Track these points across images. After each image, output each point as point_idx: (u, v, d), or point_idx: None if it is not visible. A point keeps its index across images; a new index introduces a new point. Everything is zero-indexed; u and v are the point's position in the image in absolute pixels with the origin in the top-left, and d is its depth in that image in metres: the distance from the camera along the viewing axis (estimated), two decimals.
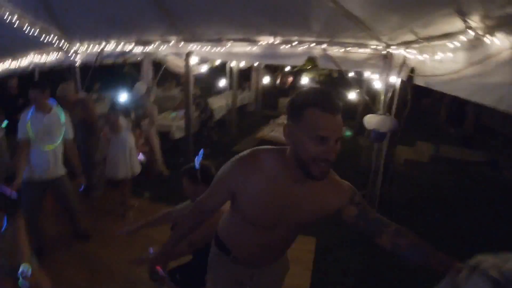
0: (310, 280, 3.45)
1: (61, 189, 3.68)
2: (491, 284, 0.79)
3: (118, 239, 3.80)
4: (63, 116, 3.59)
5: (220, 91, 9.71)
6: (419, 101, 12.58)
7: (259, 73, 10.22)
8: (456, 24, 1.92)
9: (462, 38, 1.88)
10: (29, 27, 4.14)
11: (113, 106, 4.37)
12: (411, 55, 2.95)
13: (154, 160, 5.68)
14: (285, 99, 11.17)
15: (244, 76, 10.36)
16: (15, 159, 3.45)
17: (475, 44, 1.81)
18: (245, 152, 1.50)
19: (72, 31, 4.63)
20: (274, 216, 1.50)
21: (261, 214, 1.51)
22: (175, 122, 6.61)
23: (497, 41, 1.58)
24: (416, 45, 2.69)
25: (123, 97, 4.43)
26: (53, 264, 3.44)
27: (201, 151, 2.33)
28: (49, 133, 3.46)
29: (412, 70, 3.06)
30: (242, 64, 8.07)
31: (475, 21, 1.73)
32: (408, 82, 3.45)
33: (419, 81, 2.96)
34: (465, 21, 1.78)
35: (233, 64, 7.96)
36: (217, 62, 6.38)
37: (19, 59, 4.71)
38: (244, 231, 1.63)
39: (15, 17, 3.83)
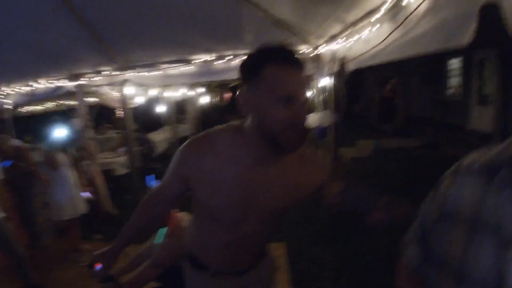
0: (290, 282, 3.42)
1: (3, 233, 3.33)
2: (484, 180, 0.69)
3: (76, 284, 3.62)
4: None
5: (158, 126, 9.61)
6: (350, 107, 13.47)
7: (194, 102, 10.29)
8: None
9: (383, 7, 2.12)
10: None
11: (49, 142, 4.13)
12: (339, 45, 3.20)
13: (100, 200, 5.40)
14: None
15: (180, 108, 10.36)
16: None
17: (395, 11, 2.05)
18: (198, 134, 1.30)
19: (3, 72, 4.40)
20: (241, 205, 1.25)
21: (224, 205, 1.25)
22: (116, 158, 6.39)
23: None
24: (345, 33, 2.94)
25: (59, 132, 4.21)
26: None
27: (152, 176, 2.31)
28: None
29: (342, 60, 3.31)
30: (178, 94, 8.10)
31: None
32: (340, 73, 3.71)
33: (350, 66, 3.20)
34: None
35: (168, 94, 7.96)
36: (153, 92, 6.34)
37: None
38: (211, 232, 1.38)
39: None
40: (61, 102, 8.86)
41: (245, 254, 1.43)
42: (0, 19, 3.53)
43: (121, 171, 6.24)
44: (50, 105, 8.98)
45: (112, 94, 5.71)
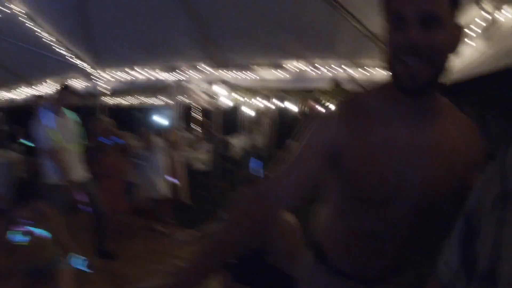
0: None
1: (91, 191, 3.60)
2: None
3: (146, 258, 3.83)
4: (74, 116, 3.61)
5: (235, 132, 9.93)
6: None
7: (267, 117, 10.40)
8: (471, 12, 2.26)
9: (478, 22, 2.20)
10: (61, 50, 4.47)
11: (146, 122, 4.61)
12: None
13: (180, 188, 5.75)
14: (291, 140, 11.15)
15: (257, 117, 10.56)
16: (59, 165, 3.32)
17: (489, 25, 2.13)
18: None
19: (103, 56, 4.78)
20: (393, 178, 0.98)
21: (376, 176, 0.98)
22: (194, 154, 6.82)
23: (505, 14, 1.90)
24: None
25: (156, 117, 4.73)
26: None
27: (253, 159, 2.24)
28: (72, 134, 3.50)
29: None
30: (261, 104, 8.33)
31: (486, 2, 2.07)
32: None
33: None
34: (478, 4, 2.12)
35: (254, 102, 8.20)
36: (239, 97, 6.66)
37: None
38: (353, 217, 1.10)
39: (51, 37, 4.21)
40: (143, 99, 9.59)
41: (384, 253, 1.12)
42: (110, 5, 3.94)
43: (199, 166, 6.64)
44: (134, 101, 9.73)
45: (202, 94, 6.10)
